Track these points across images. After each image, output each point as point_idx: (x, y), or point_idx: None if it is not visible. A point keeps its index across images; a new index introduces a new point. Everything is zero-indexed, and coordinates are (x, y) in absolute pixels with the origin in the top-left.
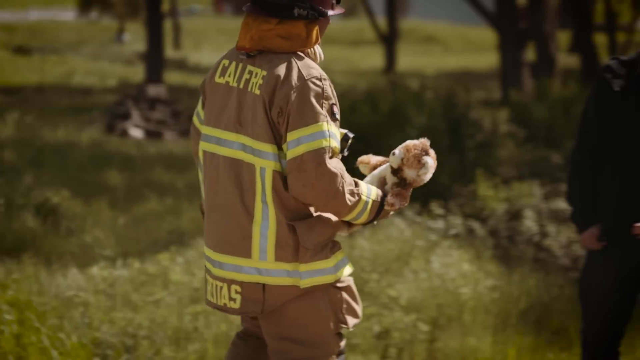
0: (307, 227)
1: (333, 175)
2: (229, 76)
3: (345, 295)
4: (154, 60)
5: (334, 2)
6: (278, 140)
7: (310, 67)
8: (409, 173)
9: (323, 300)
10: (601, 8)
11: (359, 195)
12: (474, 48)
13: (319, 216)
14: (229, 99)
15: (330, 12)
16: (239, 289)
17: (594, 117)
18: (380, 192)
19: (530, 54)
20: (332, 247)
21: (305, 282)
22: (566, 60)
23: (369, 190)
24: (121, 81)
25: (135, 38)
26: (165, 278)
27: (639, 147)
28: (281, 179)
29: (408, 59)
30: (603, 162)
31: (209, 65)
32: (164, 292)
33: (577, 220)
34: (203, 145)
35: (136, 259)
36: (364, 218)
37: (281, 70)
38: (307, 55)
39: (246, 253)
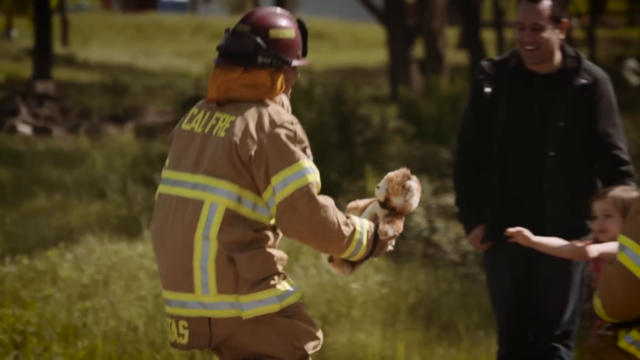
0: (247, 259)
1: (326, 208)
2: (195, 123)
3: (296, 322)
4: (42, 56)
5: (299, 53)
6: (244, 181)
7: (279, 112)
8: (396, 201)
9: (270, 331)
10: (489, 5)
11: (353, 225)
12: (362, 44)
13: (262, 250)
14: (191, 144)
15: (294, 62)
16: (186, 324)
17: (470, 119)
18: (372, 224)
19: (418, 51)
20: (275, 277)
21: (247, 313)
22: (454, 56)
23: (361, 222)
24: (9, 77)
25: (23, 34)
26: (54, 274)
27: (511, 148)
28: (232, 215)
29: None
30: (482, 163)
31: (98, 62)
32: (52, 289)
33: (462, 221)
34: (160, 189)
35: (25, 255)
36: (362, 252)
37: (251, 115)
38: (274, 103)
39: (189, 288)
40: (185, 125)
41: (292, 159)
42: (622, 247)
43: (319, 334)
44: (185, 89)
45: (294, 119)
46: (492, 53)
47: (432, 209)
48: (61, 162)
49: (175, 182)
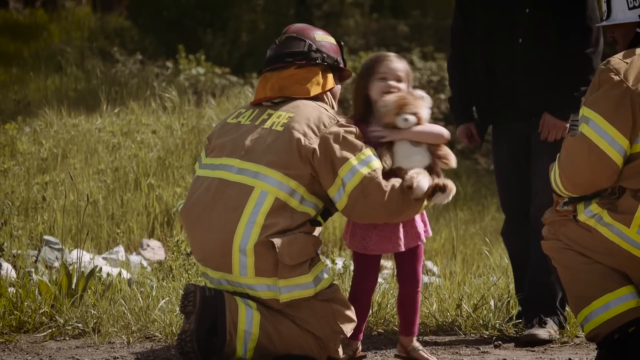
0: (287, 244)
1: (395, 188)
2: (243, 117)
3: (334, 305)
4: None
5: (341, 61)
6: (298, 175)
7: (337, 114)
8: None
9: (309, 315)
10: None
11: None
12: None
13: (301, 234)
14: (236, 133)
15: (342, 64)
16: None
17: (459, 14)
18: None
19: None
20: (311, 261)
21: (284, 297)
22: None
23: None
24: None
25: None
26: (13, 148)
27: (496, 42)
28: (280, 205)
29: None
30: (469, 57)
31: None
32: (11, 162)
33: (454, 117)
34: (198, 172)
35: None
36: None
37: (310, 113)
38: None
39: (227, 269)
40: (231, 120)
41: (356, 149)
42: (585, 119)
43: (354, 315)
44: None
45: (351, 122)
46: None
47: None
48: (18, 36)
49: (218, 167)
